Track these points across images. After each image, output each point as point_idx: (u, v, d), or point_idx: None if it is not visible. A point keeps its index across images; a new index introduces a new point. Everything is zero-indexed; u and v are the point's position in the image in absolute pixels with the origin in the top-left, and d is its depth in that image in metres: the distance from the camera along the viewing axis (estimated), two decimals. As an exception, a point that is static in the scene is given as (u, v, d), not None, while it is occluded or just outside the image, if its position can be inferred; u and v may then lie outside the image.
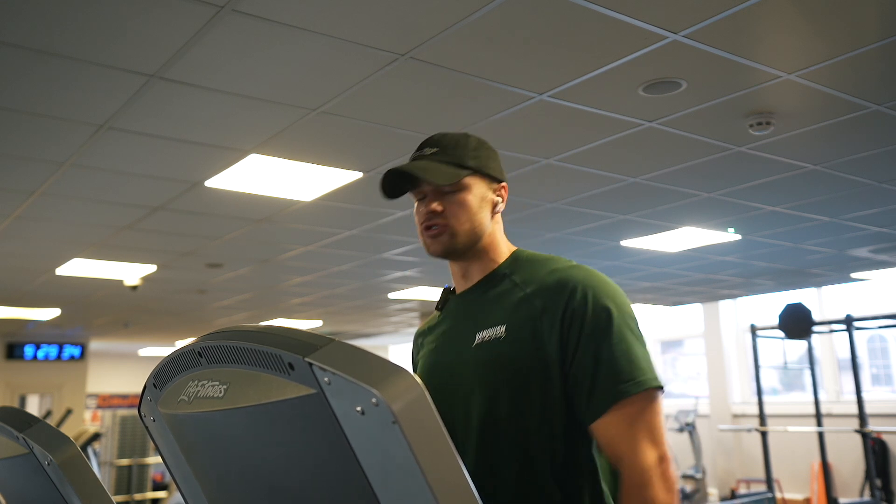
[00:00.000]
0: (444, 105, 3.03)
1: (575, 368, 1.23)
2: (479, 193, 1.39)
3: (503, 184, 1.44)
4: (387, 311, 9.65)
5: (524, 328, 1.27)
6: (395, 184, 1.40)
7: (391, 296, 8.18)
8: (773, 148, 3.67)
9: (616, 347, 1.22)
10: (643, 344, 1.26)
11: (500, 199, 1.43)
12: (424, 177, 1.33)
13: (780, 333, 6.95)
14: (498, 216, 1.44)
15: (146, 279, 6.66)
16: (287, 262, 6.20)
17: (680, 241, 5.74)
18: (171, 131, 3.24)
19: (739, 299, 9.61)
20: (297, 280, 7.04)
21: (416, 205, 1.43)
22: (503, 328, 1.29)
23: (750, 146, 3.64)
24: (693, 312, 10.28)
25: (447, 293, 1.48)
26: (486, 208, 1.40)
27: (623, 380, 1.20)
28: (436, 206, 1.37)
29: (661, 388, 1.23)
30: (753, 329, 7.26)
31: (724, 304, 9.76)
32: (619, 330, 1.24)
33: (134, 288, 6.81)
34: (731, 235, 5.59)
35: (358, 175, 3.90)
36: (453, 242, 1.37)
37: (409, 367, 0.96)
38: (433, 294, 8.02)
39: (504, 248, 1.43)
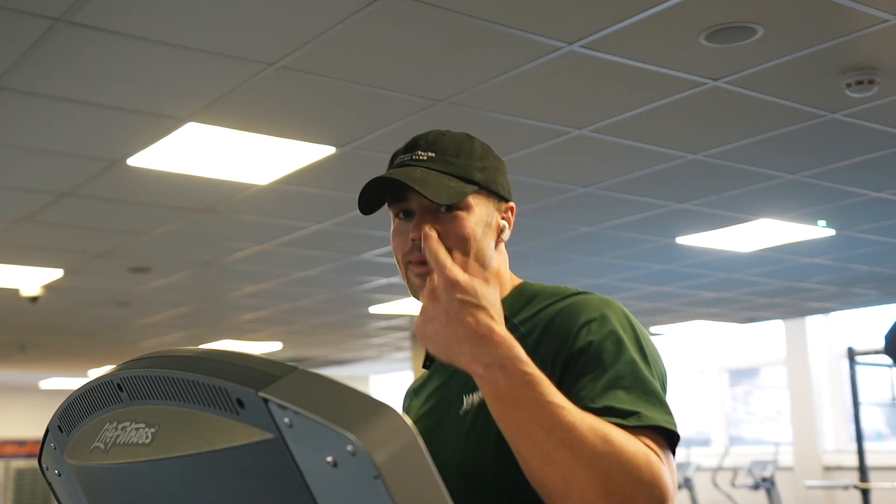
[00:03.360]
0: (444, 59, 3.03)
1: (573, 398, 1.24)
2: (482, 216, 1.39)
3: (511, 204, 1.45)
4: (367, 331, 9.66)
5: None
6: (374, 195, 1.40)
7: (373, 310, 8.19)
8: (876, 115, 3.67)
9: (622, 377, 1.23)
10: (658, 381, 1.26)
11: (506, 223, 1.44)
12: (424, 192, 1.32)
13: (887, 360, 6.95)
14: (502, 245, 1.45)
15: (50, 288, 6.66)
16: (235, 266, 6.20)
17: (754, 237, 5.74)
18: (83, 93, 3.24)
19: (832, 314, 9.62)
20: (249, 289, 7.05)
21: (394, 223, 1.42)
22: None
23: (846, 112, 3.64)
24: (772, 332, 10.29)
25: None
26: (490, 235, 1.40)
27: (620, 413, 1.19)
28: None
29: (671, 432, 1.20)
30: (852, 354, 7.26)
31: (813, 322, 9.76)
32: (627, 361, 1.24)
33: (34, 299, 6.81)
34: (821, 230, 5.59)
35: (329, 150, 3.90)
36: None
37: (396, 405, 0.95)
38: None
39: (507, 284, 1.44)
